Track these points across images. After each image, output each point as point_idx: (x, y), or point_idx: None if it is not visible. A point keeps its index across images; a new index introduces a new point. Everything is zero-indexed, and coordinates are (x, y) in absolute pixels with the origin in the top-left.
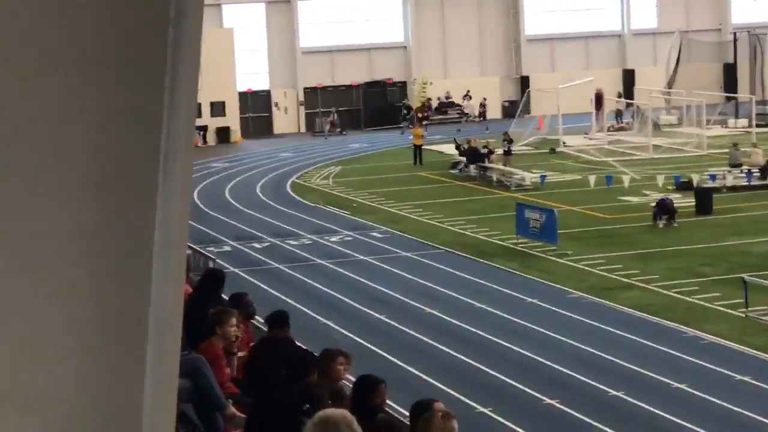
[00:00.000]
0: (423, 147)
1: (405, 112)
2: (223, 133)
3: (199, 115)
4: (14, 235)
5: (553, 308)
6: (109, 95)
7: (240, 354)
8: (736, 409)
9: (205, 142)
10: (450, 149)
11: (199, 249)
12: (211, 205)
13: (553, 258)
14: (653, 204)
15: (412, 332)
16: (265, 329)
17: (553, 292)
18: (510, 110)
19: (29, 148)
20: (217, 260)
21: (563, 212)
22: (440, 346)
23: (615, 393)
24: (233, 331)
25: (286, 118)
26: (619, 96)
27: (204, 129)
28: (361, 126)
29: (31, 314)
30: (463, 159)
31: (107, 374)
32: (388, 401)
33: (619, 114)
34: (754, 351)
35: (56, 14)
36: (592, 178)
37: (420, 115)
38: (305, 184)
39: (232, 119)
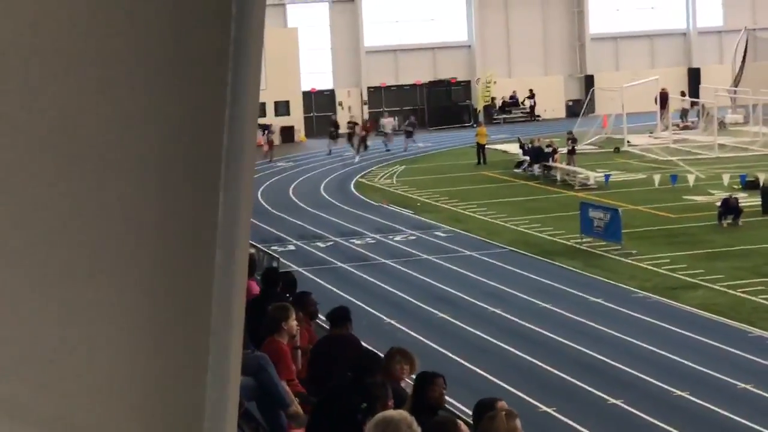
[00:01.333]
0: (486, 146)
1: (332, 129)
2: (288, 133)
3: (263, 114)
4: (80, 236)
5: (618, 308)
6: (172, 92)
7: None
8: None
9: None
10: (514, 148)
11: (263, 248)
12: (275, 204)
13: (618, 257)
14: (718, 203)
15: (475, 331)
16: (328, 328)
17: (617, 292)
18: (574, 109)
19: (95, 149)
20: (281, 259)
21: (627, 211)
22: (504, 345)
23: (679, 393)
24: (296, 327)
25: (349, 117)
26: (683, 95)
27: (268, 129)
28: (425, 125)
29: (95, 314)
30: (527, 158)
31: (169, 372)
32: (452, 400)
33: (684, 113)
34: None
35: (121, 13)
36: (656, 177)
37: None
38: (369, 183)
39: (297, 119)
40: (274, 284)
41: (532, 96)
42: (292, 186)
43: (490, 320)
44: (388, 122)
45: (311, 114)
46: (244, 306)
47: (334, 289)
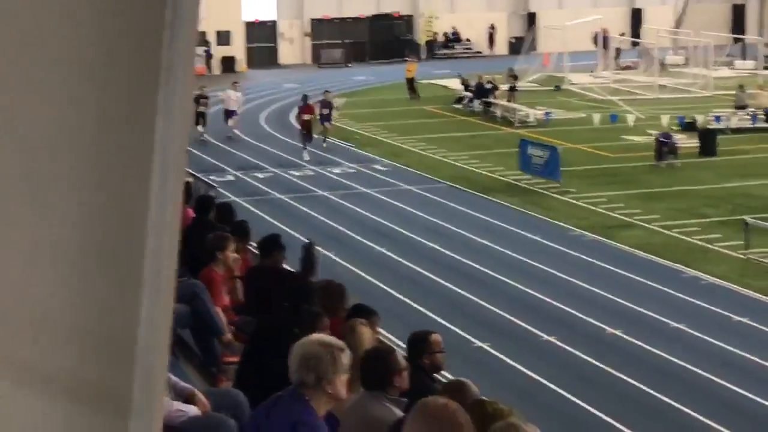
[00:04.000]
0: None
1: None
2: (229, 63)
3: (204, 43)
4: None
5: (555, 245)
6: (107, 13)
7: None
8: (733, 349)
9: (209, 70)
10: (455, 84)
11: (201, 177)
12: (215, 134)
13: (556, 195)
14: (656, 140)
15: (412, 266)
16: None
17: (554, 230)
18: (516, 47)
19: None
20: (219, 189)
21: (567, 150)
22: (440, 280)
23: (612, 331)
24: (233, 257)
25: (292, 49)
26: (622, 35)
27: (209, 56)
28: (366, 59)
29: (28, 246)
30: (468, 94)
31: (102, 296)
32: (386, 333)
33: (617, 53)
34: (753, 293)
35: None
36: (596, 117)
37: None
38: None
39: (238, 49)
40: (207, 211)
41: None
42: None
43: (427, 255)
44: (234, 97)
45: (253, 45)
46: (179, 233)
47: (272, 220)
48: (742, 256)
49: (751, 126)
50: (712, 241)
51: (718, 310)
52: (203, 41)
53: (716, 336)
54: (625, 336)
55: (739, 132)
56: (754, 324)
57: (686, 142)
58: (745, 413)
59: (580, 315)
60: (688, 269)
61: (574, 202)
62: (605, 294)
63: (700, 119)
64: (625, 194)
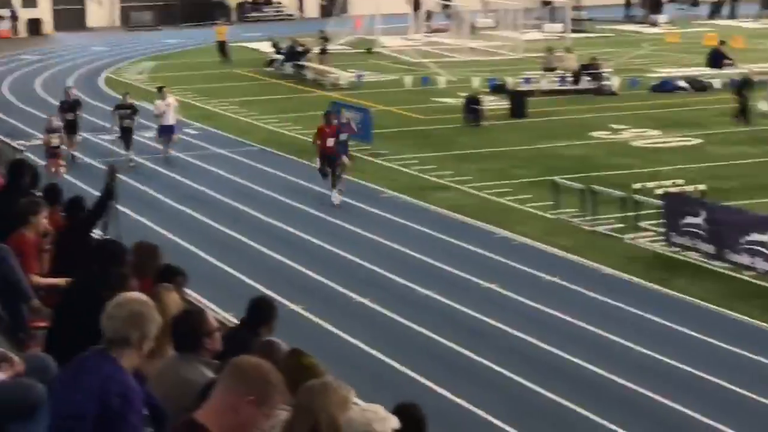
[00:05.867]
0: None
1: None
2: (35, 25)
3: (8, 5)
4: None
5: (367, 207)
6: None
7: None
8: (543, 308)
9: (15, 33)
10: (266, 47)
11: (8, 141)
12: (21, 97)
13: (368, 158)
14: (467, 102)
15: (224, 229)
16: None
17: (366, 191)
18: (328, 9)
19: None
20: (27, 153)
21: (379, 112)
22: (252, 243)
23: (427, 292)
24: (45, 224)
25: (100, 11)
26: None
27: (15, 18)
28: (177, 22)
29: None
30: (279, 57)
31: None
32: (195, 295)
33: (429, 16)
34: (563, 252)
35: None
36: (407, 79)
37: None
38: (119, 79)
39: (44, 11)
40: (20, 176)
41: None
42: (39, 80)
43: (239, 217)
44: (163, 107)
45: (60, 6)
46: None
47: (82, 185)
48: (551, 216)
49: (560, 88)
50: (523, 201)
51: (528, 269)
52: (7, 2)
53: (527, 295)
54: (438, 296)
55: (548, 94)
56: (564, 283)
57: (496, 104)
58: (552, 367)
59: (393, 276)
60: (500, 230)
61: (386, 164)
62: (419, 255)
63: (509, 81)
64: (437, 156)
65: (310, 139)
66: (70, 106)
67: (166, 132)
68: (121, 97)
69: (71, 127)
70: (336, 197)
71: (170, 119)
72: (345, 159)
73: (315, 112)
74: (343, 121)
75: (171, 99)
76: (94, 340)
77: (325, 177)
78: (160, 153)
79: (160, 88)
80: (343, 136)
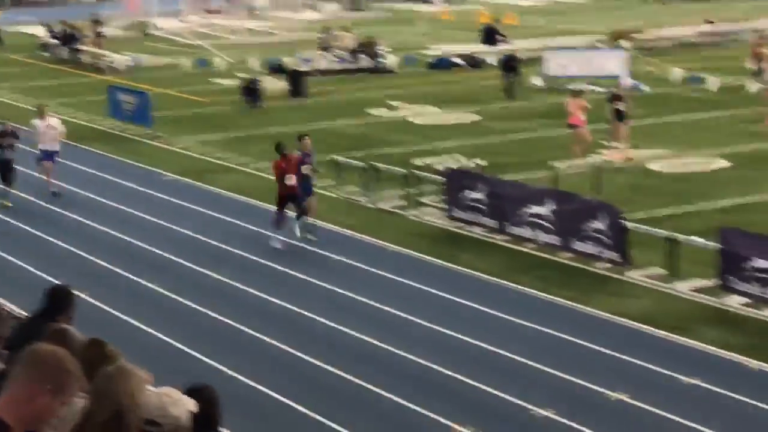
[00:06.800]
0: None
1: None
2: None
3: None
4: None
5: (149, 191)
6: None
7: None
8: (329, 287)
9: None
10: (40, 31)
11: None
12: None
13: (148, 141)
14: (245, 83)
15: (9, 220)
16: None
17: (148, 176)
18: None
19: None
20: None
21: (157, 95)
22: (29, 229)
23: (215, 275)
24: None
25: None
26: None
27: None
28: None
29: None
30: (54, 41)
31: None
32: None
33: None
34: (348, 231)
35: None
36: (185, 61)
37: None
38: None
39: None
40: None
41: None
42: None
43: (20, 206)
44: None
45: None
46: None
47: None
48: (334, 195)
49: (338, 67)
50: None
51: (314, 249)
52: None
53: (313, 275)
54: (227, 279)
55: (327, 73)
56: (350, 261)
57: (276, 84)
58: (340, 345)
59: (178, 259)
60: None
61: (167, 147)
62: (202, 237)
63: (288, 62)
64: (218, 138)
65: (90, 125)
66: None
67: (48, 158)
68: None
69: None
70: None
71: (48, 143)
72: (313, 201)
73: (94, 97)
74: (306, 152)
75: (56, 121)
76: None
77: (280, 223)
78: None
79: (41, 107)
80: (306, 169)
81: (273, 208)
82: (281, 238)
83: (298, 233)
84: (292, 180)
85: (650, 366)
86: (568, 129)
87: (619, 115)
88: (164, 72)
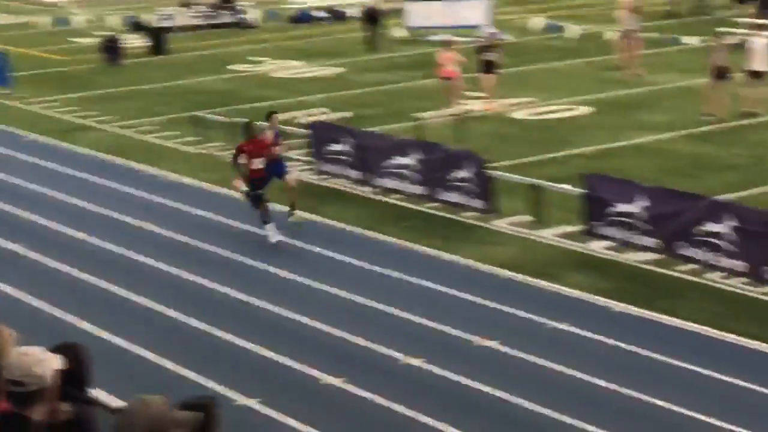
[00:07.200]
0: None
1: None
2: None
3: None
4: None
5: (8, 152)
6: None
7: None
8: (195, 243)
9: None
10: None
11: None
12: None
13: (8, 102)
14: (104, 41)
15: None
16: None
17: (7, 137)
18: None
19: None
20: None
21: (15, 54)
22: None
23: (80, 235)
24: None
25: None
26: None
27: None
28: None
29: None
30: None
31: None
32: None
33: None
34: (214, 187)
35: None
36: (42, 20)
37: None
38: None
39: None
40: None
41: None
42: None
43: None
44: None
45: None
46: None
47: None
48: (199, 151)
49: (200, 23)
50: (169, 138)
51: (181, 206)
52: None
53: (182, 231)
54: (94, 240)
55: (188, 30)
56: (217, 218)
57: (136, 42)
58: (212, 302)
59: (41, 221)
60: (147, 167)
61: (27, 107)
62: (66, 197)
63: (148, 19)
64: (79, 97)
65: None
66: None
67: None
68: None
69: None
70: (273, 233)
71: None
72: (292, 177)
73: None
74: (275, 131)
75: None
76: None
77: (265, 216)
78: None
79: None
80: (281, 149)
81: (141, 166)
82: (276, 230)
83: (273, 240)
84: (259, 164)
85: (519, 312)
86: (442, 81)
87: (488, 66)
88: (21, 31)
